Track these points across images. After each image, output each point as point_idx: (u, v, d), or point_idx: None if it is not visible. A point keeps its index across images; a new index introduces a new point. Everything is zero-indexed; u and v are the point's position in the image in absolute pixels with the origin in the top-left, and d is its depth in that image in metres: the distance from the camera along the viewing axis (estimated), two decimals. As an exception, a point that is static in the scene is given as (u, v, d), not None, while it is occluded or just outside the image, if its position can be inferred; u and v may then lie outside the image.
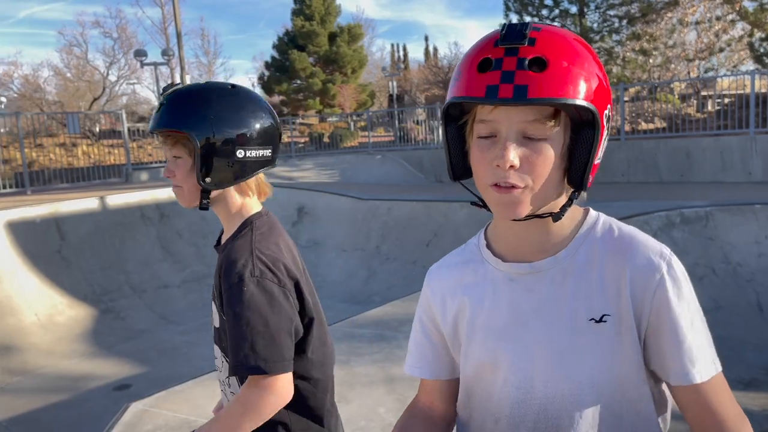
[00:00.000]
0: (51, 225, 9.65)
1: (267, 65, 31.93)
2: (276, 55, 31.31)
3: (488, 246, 1.05)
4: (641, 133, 12.95)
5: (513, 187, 0.88)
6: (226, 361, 1.42)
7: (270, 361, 1.30)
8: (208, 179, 1.40)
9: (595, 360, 0.93)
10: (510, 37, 0.85)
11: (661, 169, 10.94)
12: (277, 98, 32.00)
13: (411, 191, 11.94)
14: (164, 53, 19.39)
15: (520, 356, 0.98)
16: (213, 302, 1.48)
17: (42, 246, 9.31)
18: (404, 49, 56.18)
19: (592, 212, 1.01)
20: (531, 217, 0.93)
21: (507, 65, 0.84)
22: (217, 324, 1.47)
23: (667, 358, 0.93)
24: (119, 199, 10.72)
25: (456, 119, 0.95)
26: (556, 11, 19.18)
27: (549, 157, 0.88)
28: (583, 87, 0.85)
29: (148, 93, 40.52)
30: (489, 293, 1.02)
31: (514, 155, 0.86)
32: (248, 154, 1.42)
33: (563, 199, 0.95)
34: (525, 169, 0.88)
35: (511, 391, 0.99)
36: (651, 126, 13.56)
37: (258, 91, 37.91)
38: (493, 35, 0.88)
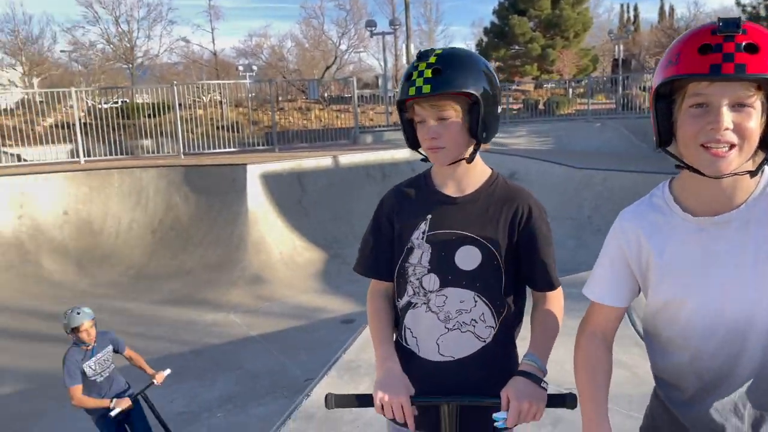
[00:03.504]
0: (294, 178, 11.18)
1: (486, 31, 31.89)
2: (496, 20, 31.10)
3: (675, 200, 1.27)
4: None
5: (730, 146, 1.10)
6: (483, 301, 1.55)
7: None
8: (485, 134, 1.48)
9: None
10: (728, 27, 1.08)
11: None
12: (493, 64, 31.92)
13: (631, 162, 11.37)
14: (391, 23, 20.57)
15: (712, 290, 1.22)
16: (463, 246, 1.54)
17: (287, 196, 10.85)
18: (635, 9, 51.46)
19: (767, 171, 1.21)
20: (732, 174, 1.14)
21: (727, 48, 1.07)
22: (474, 266, 1.54)
23: None
24: (348, 158, 11.97)
25: (664, 97, 1.19)
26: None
27: (756, 121, 1.11)
28: None
29: (372, 61, 43.00)
30: (680, 240, 1.25)
31: (728, 119, 1.10)
32: (500, 109, 1.55)
33: (758, 159, 1.16)
34: (737, 132, 1.10)
35: (705, 314, 1.24)
36: None
37: (475, 57, 37.88)
38: (706, 27, 1.12)
